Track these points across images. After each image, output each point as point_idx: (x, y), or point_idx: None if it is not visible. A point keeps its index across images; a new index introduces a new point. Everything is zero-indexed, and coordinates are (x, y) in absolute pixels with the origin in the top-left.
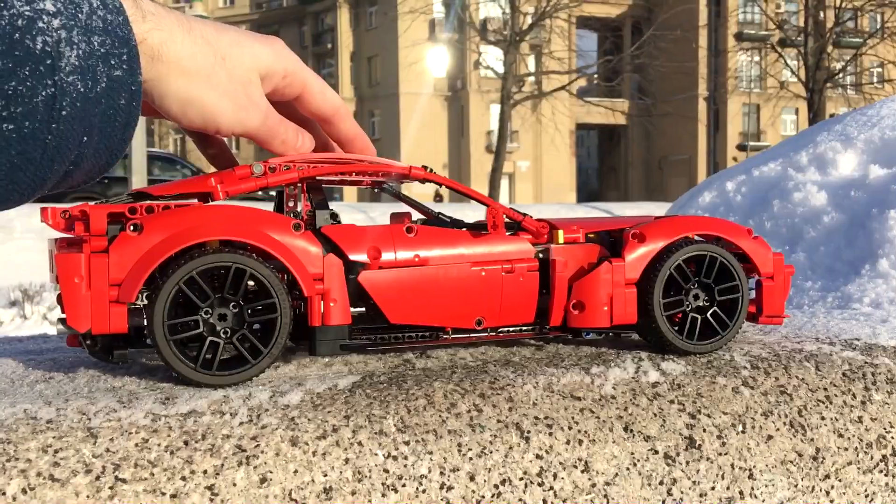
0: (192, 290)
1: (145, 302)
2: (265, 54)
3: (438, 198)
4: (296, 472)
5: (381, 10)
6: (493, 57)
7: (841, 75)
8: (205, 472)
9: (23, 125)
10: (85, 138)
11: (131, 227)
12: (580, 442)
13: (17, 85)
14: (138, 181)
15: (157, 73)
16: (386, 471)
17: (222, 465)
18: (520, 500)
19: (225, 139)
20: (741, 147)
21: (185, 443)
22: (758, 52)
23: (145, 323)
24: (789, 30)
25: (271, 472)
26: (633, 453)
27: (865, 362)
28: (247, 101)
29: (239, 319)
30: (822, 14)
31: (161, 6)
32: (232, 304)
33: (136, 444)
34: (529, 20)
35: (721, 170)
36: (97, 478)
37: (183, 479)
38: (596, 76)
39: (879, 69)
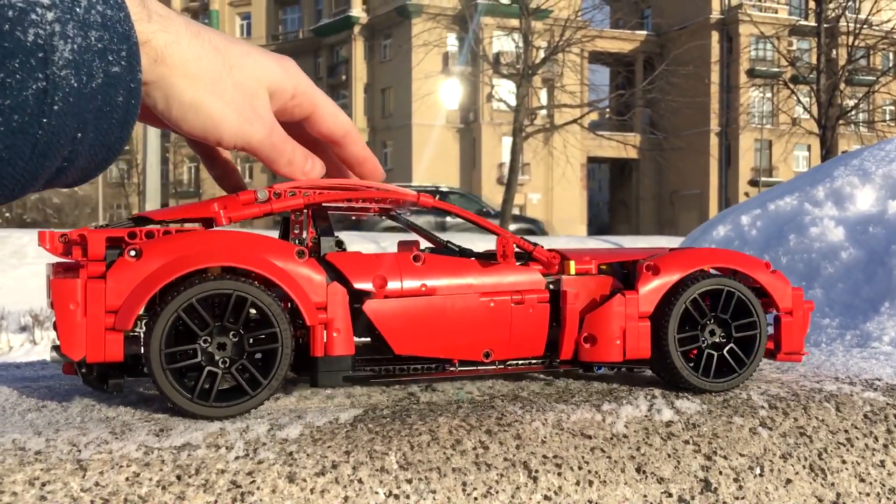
0: (191, 317)
1: (142, 329)
2: (275, 70)
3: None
4: None
5: (395, 43)
6: (505, 90)
7: (853, 112)
8: None
9: (11, 118)
10: (79, 134)
11: (130, 253)
12: (590, 483)
13: (6, 77)
14: (152, 208)
15: (160, 74)
16: None
17: (216, 501)
18: None
19: (231, 159)
20: (753, 182)
21: (178, 477)
22: (770, 89)
23: (142, 351)
24: (801, 67)
25: None
26: (645, 496)
27: (888, 403)
28: (251, 114)
29: (238, 349)
30: (834, 52)
31: (171, 10)
32: (232, 332)
33: (127, 479)
34: (542, 54)
35: (732, 205)
36: None
37: None
38: (608, 110)
39: (892, 107)
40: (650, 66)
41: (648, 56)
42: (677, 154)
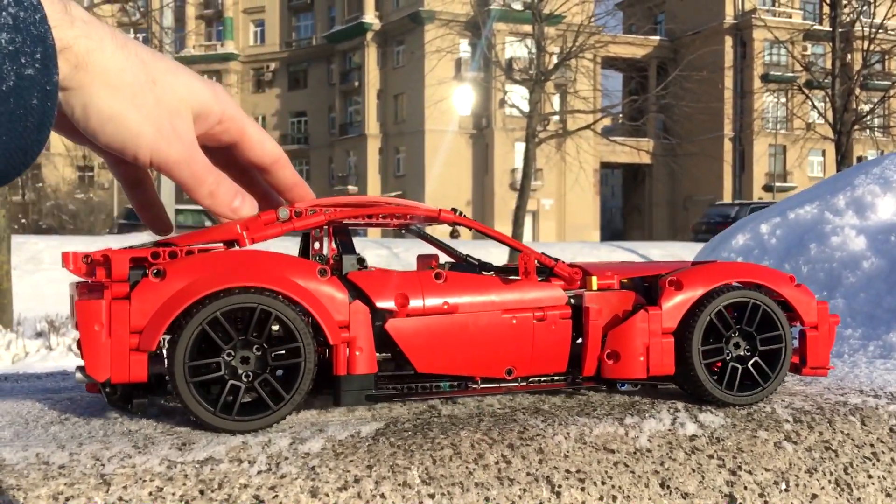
0: (215, 330)
1: (165, 348)
2: (203, 92)
3: (455, 234)
4: None
5: (407, 50)
6: (518, 96)
7: (869, 117)
8: None
9: None
10: None
11: (154, 273)
12: (614, 498)
13: None
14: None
15: (80, 82)
16: None
17: None
18: None
19: (156, 196)
20: (767, 188)
21: (201, 492)
22: (784, 94)
23: (166, 365)
24: (816, 72)
25: None
26: None
27: None
28: (170, 132)
29: (262, 363)
30: (849, 56)
31: (96, 17)
32: (255, 346)
33: (150, 493)
34: (555, 60)
35: None
36: None
37: None
38: (621, 116)
39: None
40: (663, 71)
41: (661, 61)
42: (691, 159)
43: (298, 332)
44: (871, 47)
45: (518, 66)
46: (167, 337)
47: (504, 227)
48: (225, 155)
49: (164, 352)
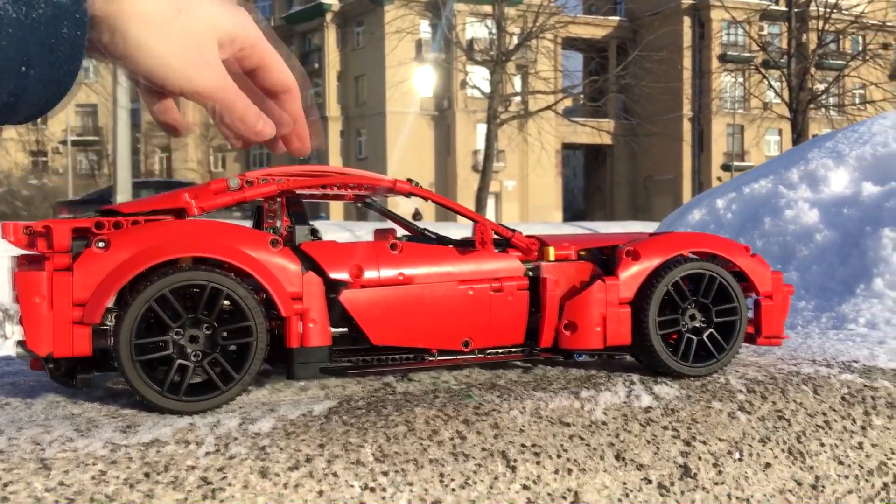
0: (163, 308)
1: (112, 323)
2: (227, 19)
3: (418, 216)
4: None
5: (367, 31)
6: (479, 77)
7: (824, 96)
8: None
9: None
10: (23, 68)
11: (97, 244)
12: (569, 471)
13: None
14: (123, 199)
15: (109, 11)
16: (363, 503)
17: (186, 499)
18: None
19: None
20: (725, 167)
21: (146, 475)
22: (741, 74)
23: (111, 341)
24: (773, 52)
25: None
26: (625, 483)
27: (865, 385)
28: (198, 59)
29: (211, 342)
30: (804, 36)
31: None
32: (205, 325)
33: (93, 477)
34: (516, 40)
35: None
36: None
37: None
38: (582, 96)
39: (861, 91)
40: (623, 51)
41: (621, 42)
42: (651, 140)
43: (250, 310)
44: (826, 27)
45: (479, 46)
46: (113, 311)
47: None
48: (242, 80)
49: (111, 326)
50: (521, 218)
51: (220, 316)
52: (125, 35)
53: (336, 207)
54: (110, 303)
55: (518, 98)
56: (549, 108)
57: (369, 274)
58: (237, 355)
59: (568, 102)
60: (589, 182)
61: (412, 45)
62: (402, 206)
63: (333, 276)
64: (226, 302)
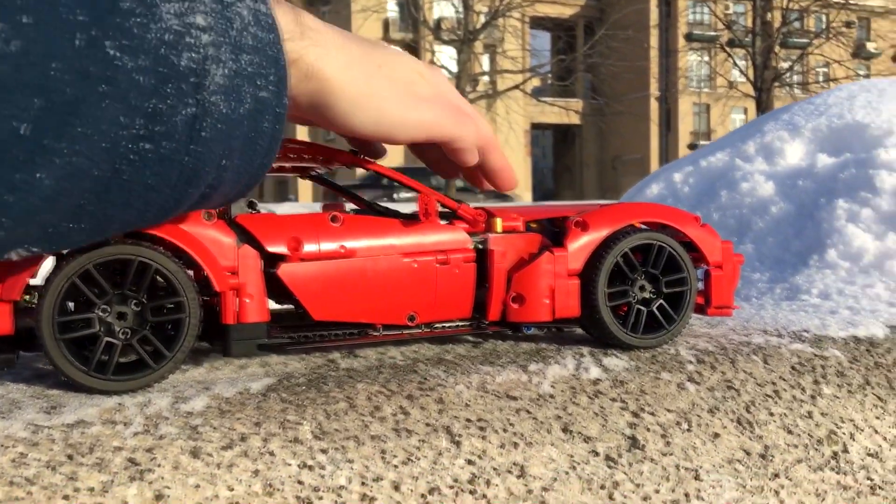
0: (87, 285)
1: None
2: (423, 68)
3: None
4: (197, 486)
5: (333, 10)
6: (446, 56)
7: (788, 75)
8: (91, 489)
9: (160, 145)
10: (224, 161)
11: None
12: (515, 445)
13: (158, 103)
14: None
15: (311, 89)
16: (300, 482)
17: (112, 481)
18: None
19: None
20: (692, 146)
21: (70, 457)
22: (707, 53)
23: (35, 319)
24: (738, 30)
25: (168, 488)
26: (572, 456)
27: (815, 355)
28: (414, 100)
29: (141, 319)
30: (769, 15)
31: (321, 21)
32: (133, 301)
33: (13, 460)
34: (483, 19)
35: None
36: None
37: (66, 497)
38: (550, 76)
39: (825, 69)
40: (591, 30)
41: (589, 21)
42: (619, 119)
43: (181, 285)
44: (790, 5)
45: (446, 25)
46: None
47: (436, 188)
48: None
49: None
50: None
51: (150, 292)
52: (335, 105)
53: (304, 189)
54: (34, 279)
55: (486, 78)
56: (516, 87)
57: (309, 247)
58: (169, 332)
59: (536, 82)
60: (558, 162)
61: (379, 24)
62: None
63: (271, 249)
64: (159, 278)
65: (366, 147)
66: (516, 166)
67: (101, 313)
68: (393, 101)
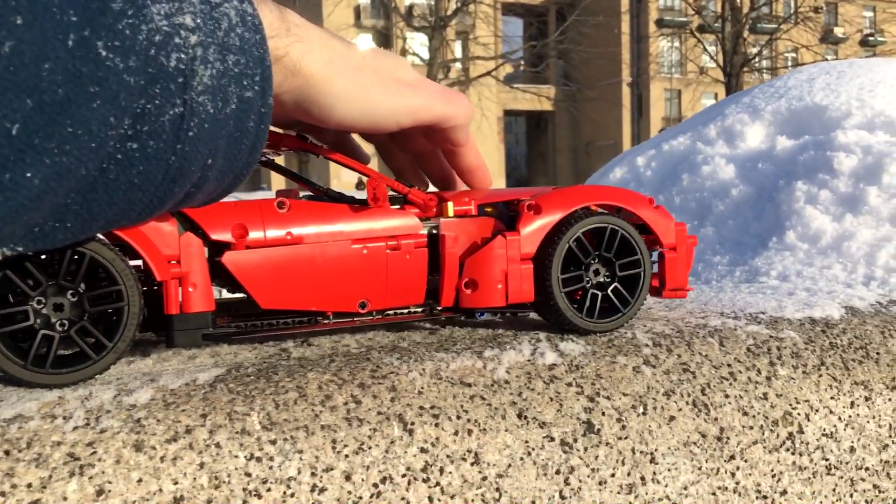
0: (20, 276)
1: None
2: (407, 65)
3: (361, 185)
4: (140, 480)
5: None
6: (418, 43)
7: (757, 60)
8: (29, 485)
9: (147, 144)
10: (209, 161)
11: None
12: (469, 432)
13: (147, 103)
14: None
15: (295, 85)
16: (248, 474)
17: (50, 476)
18: (402, 498)
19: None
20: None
21: (7, 453)
22: (678, 38)
23: None
24: (707, 15)
25: (110, 483)
26: (527, 442)
27: (770, 336)
28: (400, 86)
29: (79, 309)
30: (738, 0)
31: (304, 19)
32: (70, 291)
33: None
34: (454, 5)
35: None
36: None
37: (2, 494)
38: (522, 62)
39: (793, 54)
40: (562, 17)
41: (560, 7)
42: (591, 105)
43: (118, 273)
44: None
45: (417, 12)
46: None
47: None
48: (403, 137)
49: None
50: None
51: (88, 282)
52: (318, 98)
53: (277, 178)
54: None
55: (458, 65)
56: (488, 73)
57: (254, 234)
58: (110, 322)
59: (509, 69)
60: (531, 149)
61: (350, 10)
62: (346, 176)
63: (214, 236)
64: (99, 269)
65: (350, 151)
66: (490, 153)
67: (36, 305)
68: (379, 90)
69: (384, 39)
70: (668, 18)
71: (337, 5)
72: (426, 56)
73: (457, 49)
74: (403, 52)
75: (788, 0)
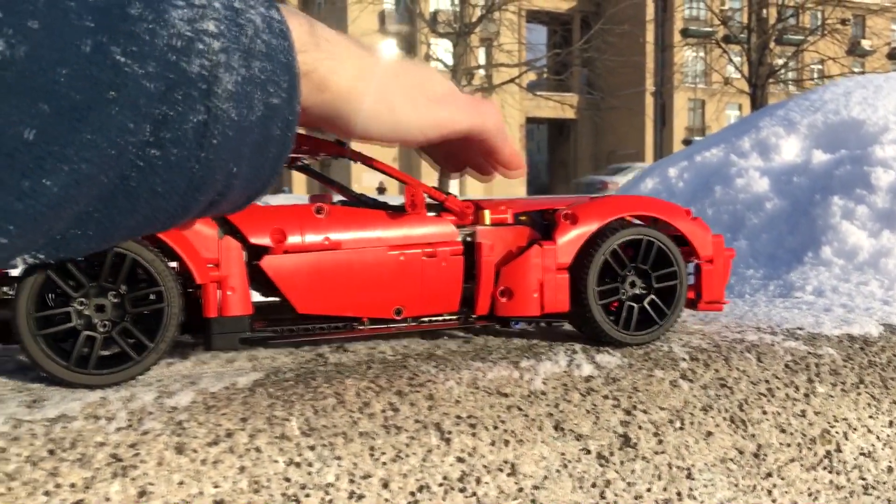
0: (63, 278)
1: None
2: (431, 69)
3: (382, 189)
4: (181, 483)
5: (329, 1)
6: (442, 49)
7: (783, 71)
8: (73, 485)
9: (170, 152)
10: (234, 168)
11: None
12: (506, 443)
13: (168, 109)
14: None
15: (324, 101)
16: (287, 479)
17: (94, 477)
18: None
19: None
20: (686, 142)
21: (51, 452)
22: (703, 48)
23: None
24: (733, 26)
25: (152, 485)
26: (563, 454)
27: (809, 353)
28: (428, 101)
29: (121, 311)
30: (765, 11)
31: (337, 32)
32: (111, 293)
33: None
34: (479, 12)
35: None
36: None
37: (46, 493)
38: (545, 70)
39: (820, 65)
40: (587, 25)
41: (585, 15)
42: (614, 114)
43: (158, 274)
44: (786, 2)
45: (442, 18)
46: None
47: (431, 182)
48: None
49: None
50: (486, 191)
51: (129, 283)
52: (347, 119)
53: (299, 180)
54: (16, 270)
55: (482, 71)
56: (512, 80)
57: (293, 239)
58: (151, 324)
59: (532, 76)
60: (553, 156)
61: (375, 16)
62: (366, 181)
63: (254, 241)
64: (140, 270)
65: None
66: None
67: (78, 306)
68: (408, 107)
69: (408, 45)
70: (693, 28)
71: (363, 11)
72: (450, 62)
73: (480, 56)
74: (427, 58)
75: (816, 11)
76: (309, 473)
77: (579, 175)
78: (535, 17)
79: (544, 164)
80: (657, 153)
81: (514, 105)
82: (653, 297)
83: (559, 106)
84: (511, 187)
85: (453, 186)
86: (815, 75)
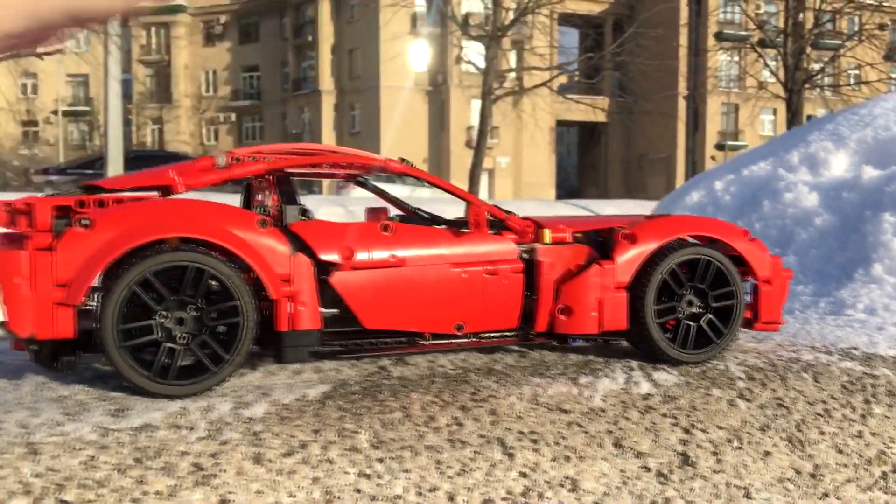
0: (146, 292)
1: (98, 302)
2: None
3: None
4: (259, 492)
5: (362, 3)
6: (474, 52)
7: (819, 76)
8: (158, 493)
9: None
10: None
11: (80, 222)
12: (567, 458)
13: None
14: (114, 171)
15: None
16: (358, 490)
17: (178, 485)
18: None
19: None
20: (719, 146)
21: (137, 460)
22: (737, 52)
23: (96, 328)
24: (769, 30)
25: (232, 493)
26: (623, 471)
27: (865, 373)
28: None
29: (199, 323)
30: (801, 15)
31: None
32: (191, 306)
33: (82, 462)
34: (511, 15)
35: (699, 169)
36: (37, 500)
37: (134, 500)
38: (577, 73)
39: (857, 71)
40: (619, 28)
41: (618, 18)
42: (645, 117)
43: (236, 289)
44: (823, 6)
45: (474, 21)
46: (99, 290)
47: (460, 184)
48: None
49: (96, 306)
50: (515, 195)
51: (207, 297)
52: None
53: (328, 181)
54: (95, 283)
55: (513, 74)
56: (543, 84)
57: (360, 256)
58: (226, 336)
59: (563, 79)
60: (583, 159)
61: (407, 18)
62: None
63: (324, 257)
64: (213, 283)
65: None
66: (541, 164)
67: (160, 319)
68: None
69: (440, 47)
70: (728, 32)
71: (396, 13)
72: (482, 65)
73: (512, 58)
74: (458, 61)
75: (853, 17)
76: (379, 485)
77: (609, 179)
78: (567, 20)
79: (574, 167)
80: (689, 157)
81: (545, 108)
82: (710, 316)
83: (590, 109)
84: (540, 190)
85: (482, 190)
86: (852, 81)
